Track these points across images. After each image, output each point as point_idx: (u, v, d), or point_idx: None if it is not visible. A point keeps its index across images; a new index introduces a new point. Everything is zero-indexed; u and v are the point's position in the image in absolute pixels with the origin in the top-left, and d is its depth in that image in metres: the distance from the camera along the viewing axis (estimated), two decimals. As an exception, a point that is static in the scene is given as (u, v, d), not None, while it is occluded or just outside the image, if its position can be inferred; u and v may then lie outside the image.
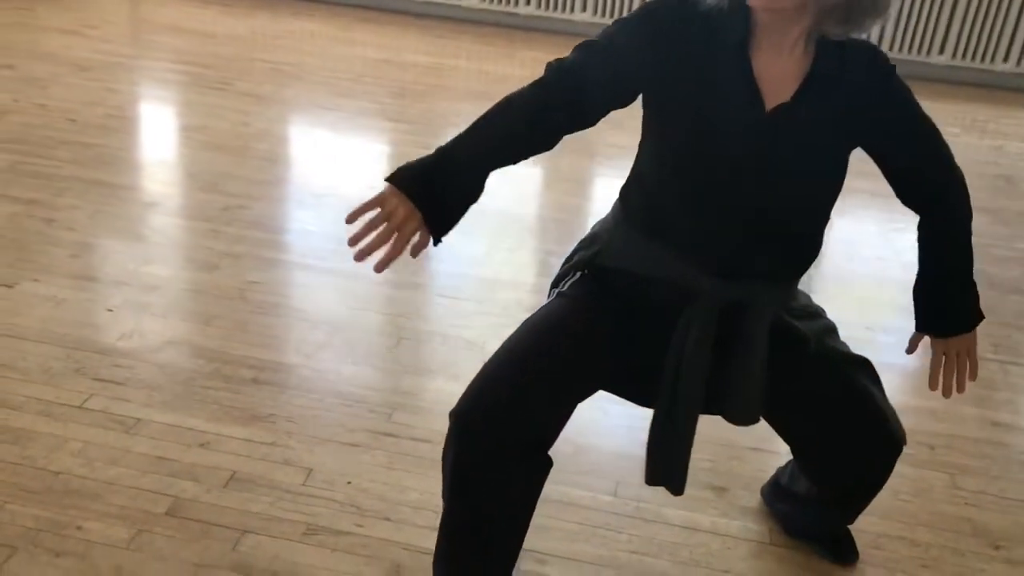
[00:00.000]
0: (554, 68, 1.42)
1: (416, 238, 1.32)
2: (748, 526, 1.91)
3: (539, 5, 5.89)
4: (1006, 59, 5.29)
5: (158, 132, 3.99)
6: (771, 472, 2.00)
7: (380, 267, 1.29)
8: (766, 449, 2.12)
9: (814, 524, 1.86)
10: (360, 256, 1.27)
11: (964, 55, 5.29)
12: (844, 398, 1.55)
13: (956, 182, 1.53)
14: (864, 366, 1.59)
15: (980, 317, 1.57)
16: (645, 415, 1.55)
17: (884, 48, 5.36)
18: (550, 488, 1.90)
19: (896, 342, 2.70)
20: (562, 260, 1.65)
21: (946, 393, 1.59)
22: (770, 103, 1.38)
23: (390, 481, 1.94)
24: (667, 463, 1.53)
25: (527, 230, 3.34)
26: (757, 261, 1.46)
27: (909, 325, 1.60)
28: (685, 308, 1.46)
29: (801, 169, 1.42)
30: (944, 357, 1.58)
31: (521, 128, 1.39)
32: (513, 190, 3.47)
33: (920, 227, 1.58)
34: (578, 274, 1.57)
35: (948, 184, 1.53)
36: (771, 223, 1.43)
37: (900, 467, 2.11)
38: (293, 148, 3.97)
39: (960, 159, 1.56)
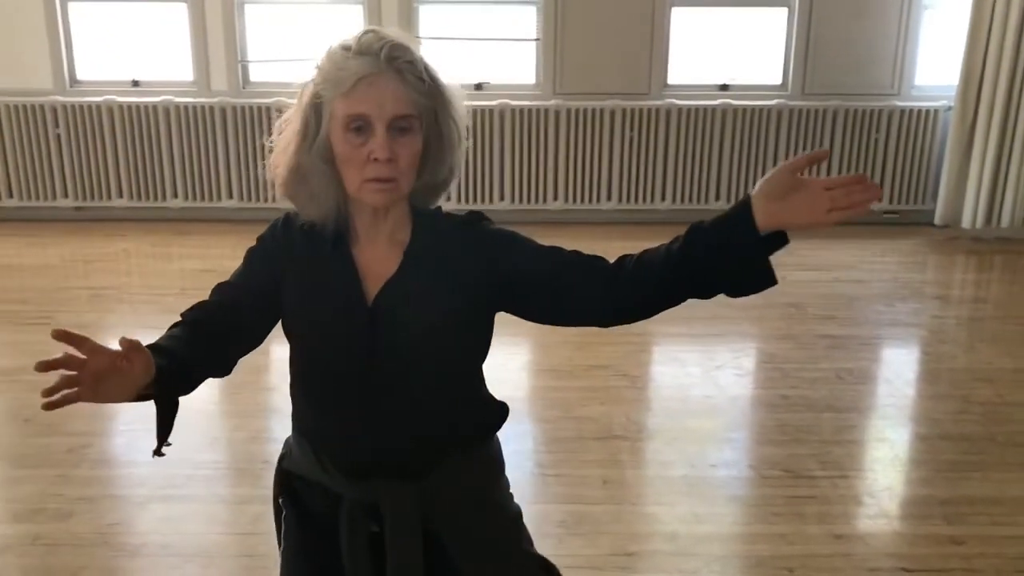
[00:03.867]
0: (193, 310, 1.41)
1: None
2: None
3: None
4: (609, 199, 6.17)
5: (-22, 379, 3.84)
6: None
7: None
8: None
9: None
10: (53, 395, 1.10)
11: (575, 199, 6.15)
12: None
13: (603, 258, 1.42)
14: None
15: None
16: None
17: (506, 203, 6.05)
18: None
19: (736, 475, 2.96)
20: None
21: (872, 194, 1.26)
22: (375, 290, 1.41)
23: None
24: None
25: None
26: (386, 461, 1.43)
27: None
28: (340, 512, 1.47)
29: (417, 355, 1.41)
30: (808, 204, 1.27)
31: (201, 352, 1.34)
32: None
33: (644, 298, 1.38)
34: (281, 499, 1.58)
35: (602, 262, 1.40)
36: (392, 419, 1.42)
37: (769, 596, 2.32)
38: (127, 374, 3.91)
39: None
